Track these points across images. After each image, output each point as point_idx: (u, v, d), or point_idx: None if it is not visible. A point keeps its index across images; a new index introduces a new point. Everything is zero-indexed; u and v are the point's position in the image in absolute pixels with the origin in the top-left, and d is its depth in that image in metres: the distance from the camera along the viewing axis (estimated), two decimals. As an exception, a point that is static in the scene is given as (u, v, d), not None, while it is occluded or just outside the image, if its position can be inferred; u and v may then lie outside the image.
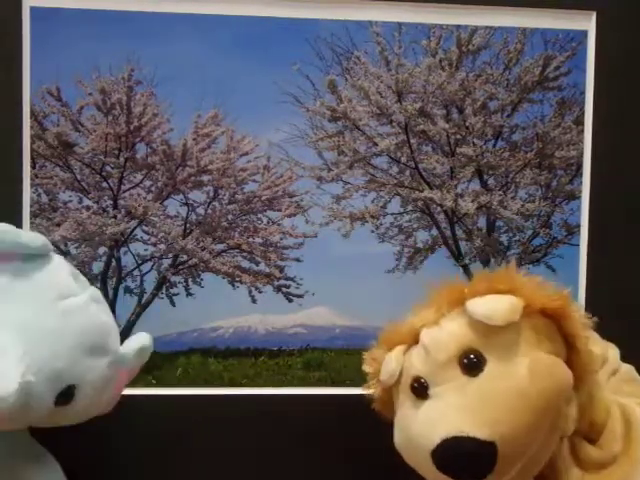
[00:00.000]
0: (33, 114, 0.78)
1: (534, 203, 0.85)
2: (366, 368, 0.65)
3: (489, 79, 0.83)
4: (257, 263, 0.83)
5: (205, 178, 0.82)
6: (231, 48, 0.80)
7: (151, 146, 0.81)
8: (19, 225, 0.78)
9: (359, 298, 0.82)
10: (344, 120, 0.83)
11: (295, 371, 0.83)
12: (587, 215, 0.84)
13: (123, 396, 0.69)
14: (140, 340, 0.67)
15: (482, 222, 0.84)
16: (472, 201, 0.84)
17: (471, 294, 0.58)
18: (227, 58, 0.81)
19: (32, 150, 0.79)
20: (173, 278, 0.81)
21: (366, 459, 0.81)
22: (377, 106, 0.83)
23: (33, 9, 0.78)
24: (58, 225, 0.80)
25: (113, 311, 0.77)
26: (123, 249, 0.81)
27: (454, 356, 0.57)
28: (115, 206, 0.81)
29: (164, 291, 0.81)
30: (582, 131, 0.84)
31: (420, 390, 0.59)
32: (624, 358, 0.68)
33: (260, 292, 0.82)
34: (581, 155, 0.84)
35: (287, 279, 0.83)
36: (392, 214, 0.84)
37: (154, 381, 0.80)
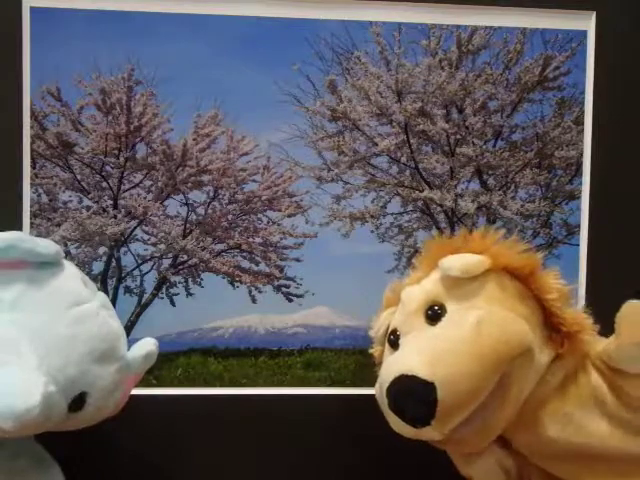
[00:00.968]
0: (33, 114, 0.78)
1: (534, 203, 0.85)
2: (371, 332, 0.70)
3: (489, 79, 0.83)
4: (257, 263, 0.83)
5: (205, 178, 0.82)
6: (231, 48, 0.80)
7: (151, 146, 0.81)
8: (19, 225, 0.78)
9: (359, 298, 0.82)
10: (344, 120, 0.83)
11: (295, 371, 0.83)
12: (587, 215, 0.84)
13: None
14: (146, 346, 0.67)
15: (482, 222, 0.84)
16: (472, 201, 0.84)
17: (447, 253, 0.63)
18: (227, 58, 0.81)
19: (32, 150, 0.79)
20: (173, 278, 0.81)
21: (366, 459, 0.81)
22: (377, 106, 0.83)
23: (33, 9, 0.78)
24: (58, 225, 0.80)
25: (113, 311, 0.78)
26: (123, 249, 0.81)
27: (421, 307, 0.62)
28: (115, 206, 0.81)
29: (164, 291, 0.81)
30: (582, 131, 0.84)
31: (394, 341, 0.64)
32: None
33: (260, 292, 0.82)
34: (581, 155, 0.84)
35: (287, 279, 0.83)
36: (392, 214, 0.84)
37: (154, 381, 0.80)
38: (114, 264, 0.81)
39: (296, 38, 0.81)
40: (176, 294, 0.81)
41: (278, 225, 0.83)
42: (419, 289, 0.64)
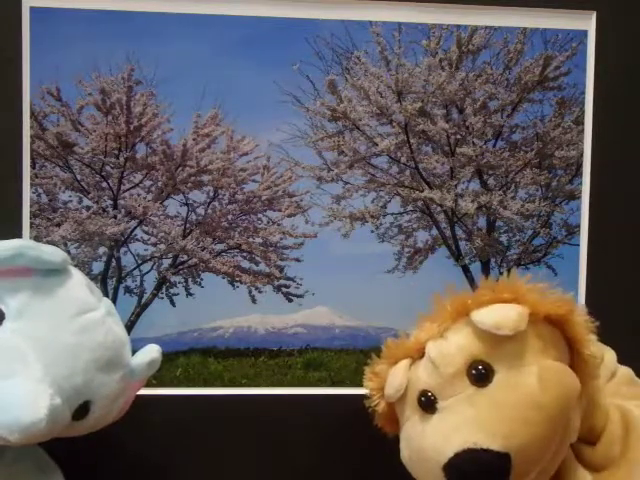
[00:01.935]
0: (33, 114, 0.78)
1: (534, 203, 0.84)
2: (367, 384, 0.65)
3: (489, 79, 0.83)
4: (257, 263, 0.83)
5: (205, 178, 0.82)
6: (231, 48, 0.80)
7: (151, 146, 0.81)
8: (19, 225, 0.78)
9: (359, 298, 0.82)
10: (344, 120, 0.83)
11: (295, 371, 0.83)
12: (587, 215, 0.84)
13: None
14: (150, 353, 0.67)
15: (482, 222, 0.84)
16: (472, 201, 0.84)
17: (475, 304, 0.58)
18: (227, 58, 0.80)
19: (32, 150, 0.79)
20: (173, 278, 0.81)
21: (366, 459, 0.81)
22: (377, 106, 0.83)
23: (33, 9, 0.78)
24: (58, 225, 0.80)
25: (113, 311, 0.78)
26: (123, 249, 0.81)
27: (462, 368, 0.57)
28: (115, 206, 0.81)
29: (164, 291, 0.81)
30: (582, 131, 0.84)
31: (428, 404, 0.58)
32: (624, 358, 0.68)
33: (260, 292, 0.82)
34: (581, 155, 0.84)
35: (287, 279, 0.83)
36: (392, 214, 0.84)
37: (154, 381, 0.80)
38: (114, 264, 0.81)
39: (296, 38, 0.81)
40: (176, 294, 0.81)
41: (278, 225, 0.83)
42: (453, 347, 0.58)
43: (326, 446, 0.81)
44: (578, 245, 0.84)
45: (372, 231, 0.83)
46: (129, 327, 0.80)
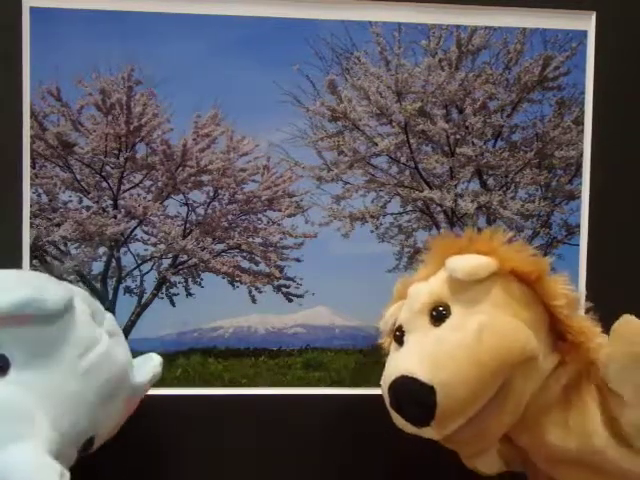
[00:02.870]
0: (33, 114, 0.78)
1: (534, 203, 0.85)
2: (380, 324, 0.70)
3: (489, 79, 0.83)
4: (257, 263, 0.83)
5: (205, 178, 0.82)
6: (231, 48, 0.80)
7: (151, 146, 0.81)
8: (19, 225, 0.78)
9: (359, 298, 0.82)
10: (344, 120, 0.83)
11: (295, 371, 0.83)
12: (587, 215, 0.84)
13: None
14: (152, 369, 0.68)
15: (482, 222, 0.84)
16: (472, 201, 0.84)
17: (454, 253, 0.62)
18: (227, 58, 0.81)
19: (32, 150, 0.79)
20: (173, 278, 0.81)
21: (366, 459, 0.81)
22: (377, 106, 0.83)
23: (33, 9, 0.78)
24: (58, 225, 0.80)
25: (113, 311, 0.78)
26: (123, 249, 0.81)
27: (426, 307, 0.62)
28: (115, 206, 0.81)
29: (164, 291, 0.81)
30: (582, 131, 0.84)
31: (399, 337, 0.64)
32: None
33: (260, 292, 0.82)
34: (581, 155, 0.84)
35: (287, 279, 0.83)
36: (392, 214, 0.84)
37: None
38: (114, 264, 0.81)
39: (296, 38, 0.81)
40: (176, 294, 0.81)
41: (278, 225, 0.83)
42: (426, 288, 0.63)
43: (326, 446, 0.81)
44: (578, 245, 0.84)
45: (372, 231, 0.83)
46: (129, 327, 0.80)
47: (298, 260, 0.83)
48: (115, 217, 0.81)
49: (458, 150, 0.84)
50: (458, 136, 0.84)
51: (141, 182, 0.81)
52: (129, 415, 0.69)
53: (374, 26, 0.82)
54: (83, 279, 0.80)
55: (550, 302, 0.60)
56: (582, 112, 0.84)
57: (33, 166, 0.79)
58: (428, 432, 0.59)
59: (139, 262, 0.81)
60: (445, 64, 0.83)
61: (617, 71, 0.83)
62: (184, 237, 0.82)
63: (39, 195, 0.79)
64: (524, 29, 0.83)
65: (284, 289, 0.83)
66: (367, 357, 0.83)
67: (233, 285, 0.82)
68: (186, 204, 0.82)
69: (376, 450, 0.81)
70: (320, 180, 0.83)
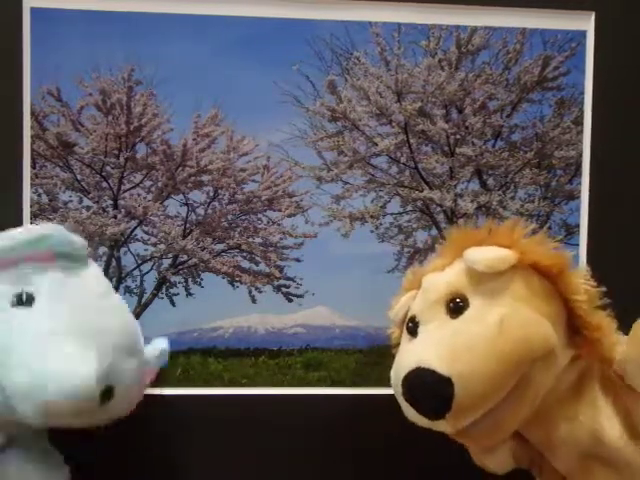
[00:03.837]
0: (33, 114, 0.79)
1: (533, 203, 0.85)
2: (389, 314, 0.68)
3: (488, 79, 0.84)
4: (257, 263, 0.83)
5: (205, 178, 0.82)
6: (231, 48, 0.80)
7: (151, 146, 0.81)
8: (19, 225, 0.78)
9: (359, 298, 0.82)
10: (344, 120, 0.83)
11: (295, 371, 0.83)
12: (586, 215, 0.84)
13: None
14: (159, 344, 0.70)
15: (482, 222, 0.84)
16: (471, 201, 0.84)
17: (473, 244, 0.61)
18: (227, 58, 0.81)
19: (32, 150, 0.79)
20: (173, 278, 0.81)
21: (366, 459, 0.81)
22: (377, 106, 0.83)
23: (33, 10, 0.78)
24: (58, 225, 0.80)
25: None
26: (123, 249, 0.81)
27: (443, 298, 0.60)
28: (115, 206, 0.81)
29: (164, 291, 0.81)
30: (581, 131, 0.84)
31: (412, 328, 0.62)
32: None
33: (260, 292, 0.82)
34: (580, 155, 0.84)
35: (287, 279, 0.83)
36: (392, 214, 0.84)
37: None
38: (114, 264, 0.81)
39: (296, 38, 0.81)
40: (176, 294, 0.82)
41: (278, 225, 0.83)
42: (442, 278, 0.62)
43: (326, 446, 0.81)
44: (577, 245, 0.84)
45: (372, 231, 0.83)
46: (129, 327, 0.80)
47: (298, 260, 0.83)
48: (115, 217, 0.81)
49: (458, 150, 0.84)
50: (458, 136, 0.84)
51: (141, 182, 0.81)
52: (142, 394, 0.69)
53: (374, 26, 0.82)
54: (83, 279, 0.80)
55: (570, 297, 0.59)
56: (581, 112, 0.84)
57: (33, 166, 0.79)
58: (442, 425, 0.57)
59: (139, 262, 0.81)
60: (445, 64, 0.83)
61: (616, 71, 0.83)
62: (184, 237, 0.82)
63: (39, 195, 0.79)
64: (524, 29, 0.83)
65: (284, 289, 0.83)
66: (367, 357, 0.83)
67: (233, 285, 0.82)
68: (186, 204, 0.82)
69: (376, 450, 0.81)
70: (320, 180, 0.83)
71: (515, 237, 0.61)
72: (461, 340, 0.57)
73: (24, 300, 0.60)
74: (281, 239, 0.83)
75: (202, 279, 0.82)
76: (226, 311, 0.82)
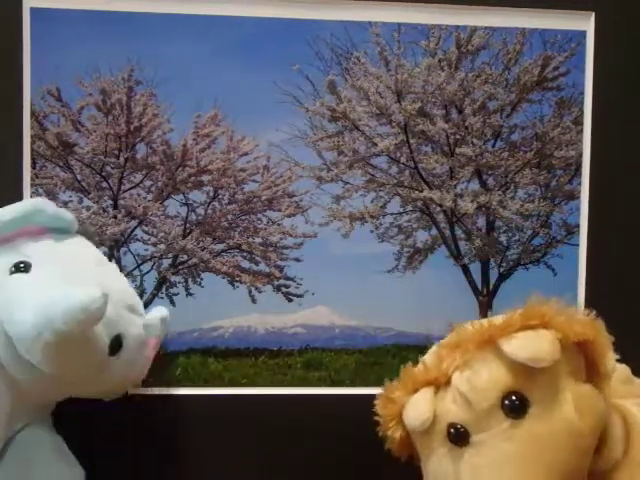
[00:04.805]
0: (33, 114, 0.79)
1: (533, 203, 0.85)
2: (382, 411, 0.63)
3: (488, 79, 0.84)
4: (257, 263, 0.83)
5: (205, 178, 0.82)
6: (231, 48, 0.80)
7: (151, 146, 0.81)
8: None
9: (359, 298, 0.82)
10: (344, 120, 0.83)
11: (295, 371, 0.83)
12: (586, 215, 0.84)
13: (123, 396, 0.71)
14: (160, 312, 0.72)
15: (481, 222, 0.84)
16: (471, 201, 0.84)
17: (502, 332, 0.56)
18: (227, 58, 0.81)
19: (32, 150, 0.79)
20: (173, 278, 0.81)
21: (366, 459, 0.81)
22: (377, 106, 0.83)
23: (33, 10, 0.78)
24: (58, 225, 0.80)
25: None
26: (123, 249, 0.81)
27: (496, 402, 0.55)
28: (115, 206, 0.81)
29: (164, 291, 0.81)
30: (581, 131, 0.84)
31: (459, 437, 0.57)
32: (623, 358, 0.68)
33: (260, 292, 0.82)
34: (580, 155, 0.84)
35: (287, 279, 0.83)
36: (392, 214, 0.84)
37: (151, 379, 0.80)
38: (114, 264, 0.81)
39: (296, 38, 0.81)
40: (176, 294, 0.82)
41: (278, 225, 0.83)
42: (485, 379, 0.56)
43: (326, 446, 0.81)
44: (577, 245, 0.85)
45: (372, 231, 0.84)
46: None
47: (298, 260, 0.83)
48: (115, 217, 0.81)
49: (458, 150, 0.84)
50: (458, 136, 0.84)
51: (141, 182, 0.81)
52: (149, 363, 0.71)
53: (374, 26, 0.82)
54: (83, 279, 0.80)
55: (597, 365, 0.57)
56: (581, 112, 0.84)
57: (33, 166, 0.79)
58: None
59: (139, 262, 0.81)
60: (445, 64, 0.83)
61: (616, 71, 0.83)
62: (184, 237, 0.82)
63: (39, 195, 0.79)
64: (523, 29, 0.83)
65: (284, 289, 0.83)
66: (367, 357, 0.83)
67: (233, 285, 0.82)
68: (186, 204, 0.82)
69: (376, 450, 0.81)
70: (320, 180, 0.83)
71: (548, 317, 0.56)
72: (546, 444, 0.54)
73: (22, 268, 0.62)
74: (281, 239, 0.83)
75: (202, 279, 0.82)
76: (226, 311, 0.82)
